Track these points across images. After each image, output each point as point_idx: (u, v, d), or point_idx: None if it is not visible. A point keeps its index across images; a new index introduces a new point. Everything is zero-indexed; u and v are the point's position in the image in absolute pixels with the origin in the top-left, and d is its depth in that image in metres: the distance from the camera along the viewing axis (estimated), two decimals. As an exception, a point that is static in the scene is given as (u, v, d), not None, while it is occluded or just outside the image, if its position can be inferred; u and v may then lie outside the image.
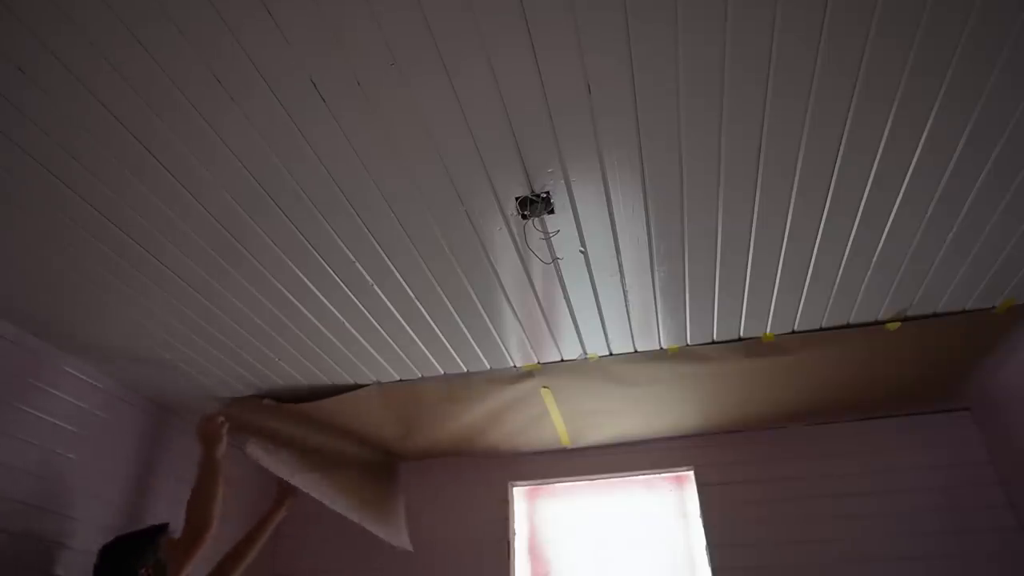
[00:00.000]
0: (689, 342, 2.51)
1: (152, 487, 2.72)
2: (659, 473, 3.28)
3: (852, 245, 1.98)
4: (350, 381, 2.75)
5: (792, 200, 1.80)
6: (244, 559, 2.60)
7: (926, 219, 1.88)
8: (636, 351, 2.56)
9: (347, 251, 1.95)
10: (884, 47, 1.38)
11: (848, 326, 2.41)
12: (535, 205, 1.78)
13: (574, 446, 3.30)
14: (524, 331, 2.40)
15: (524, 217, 1.82)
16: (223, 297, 2.14)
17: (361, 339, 2.41)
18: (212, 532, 2.23)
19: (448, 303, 2.21)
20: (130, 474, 2.63)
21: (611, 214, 1.84)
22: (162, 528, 2.23)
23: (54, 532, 2.27)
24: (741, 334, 2.46)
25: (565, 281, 2.12)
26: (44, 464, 2.27)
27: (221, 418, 2.45)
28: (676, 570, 3.08)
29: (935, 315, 2.35)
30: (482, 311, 2.26)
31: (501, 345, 2.49)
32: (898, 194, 1.79)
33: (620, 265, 2.05)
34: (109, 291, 2.09)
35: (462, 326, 2.35)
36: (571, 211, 1.82)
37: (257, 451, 2.67)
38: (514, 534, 3.25)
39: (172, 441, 2.87)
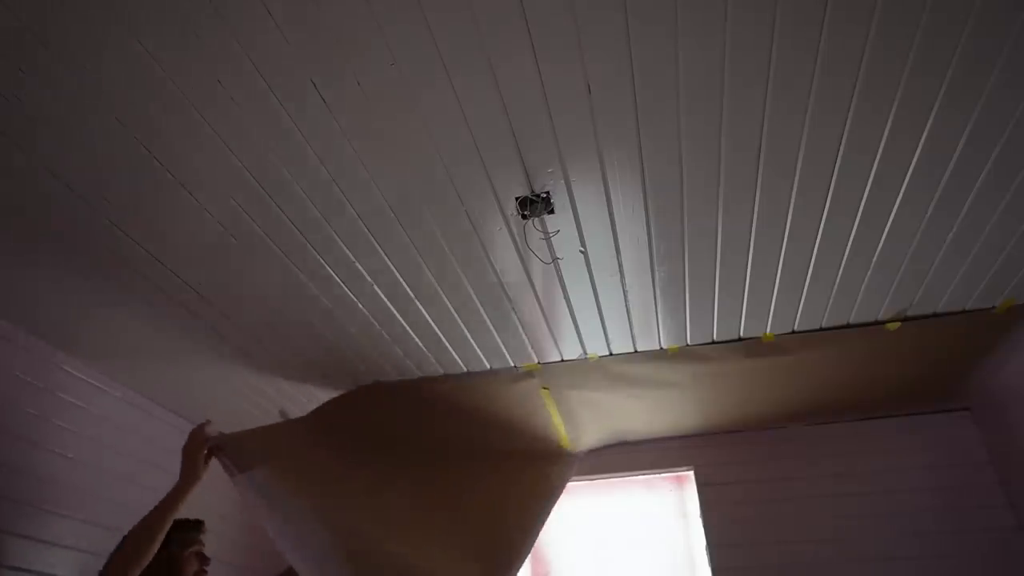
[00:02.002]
0: (689, 342, 2.51)
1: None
2: (659, 473, 3.28)
3: (852, 245, 1.98)
4: (350, 382, 2.75)
5: (792, 200, 1.80)
6: None
7: (926, 219, 1.88)
8: (636, 351, 2.56)
9: (347, 251, 1.95)
10: (884, 47, 1.38)
11: (848, 326, 2.41)
12: (535, 205, 1.78)
13: (575, 449, 3.30)
14: (524, 331, 2.40)
15: (524, 217, 1.82)
16: (223, 298, 2.14)
17: (360, 339, 2.41)
18: None
19: (448, 303, 2.21)
20: (132, 475, 2.63)
21: (611, 214, 1.84)
22: (201, 522, 2.13)
23: (56, 533, 2.27)
24: (741, 334, 2.46)
25: (565, 281, 2.13)
26: (46, 464, 2.28)
27: (209, 431, 1.97)
28: (676, 570, 3.08)
29: (935, 315, 2.35)
30: (482, 311, 2.26)
31: (501, 345, 2.49)
32: (898, 194, 1.79)
33: (620, 265, 2.06)
34: (104, 290, 2.09)
35: (462, 326, 2.35)
36: (571, 211, 1.82)
37: (252, 483, 2.04)
38: (514, 534, 3.24)
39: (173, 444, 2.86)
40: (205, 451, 1.95)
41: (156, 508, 1.84)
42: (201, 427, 1.97)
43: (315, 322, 2.30)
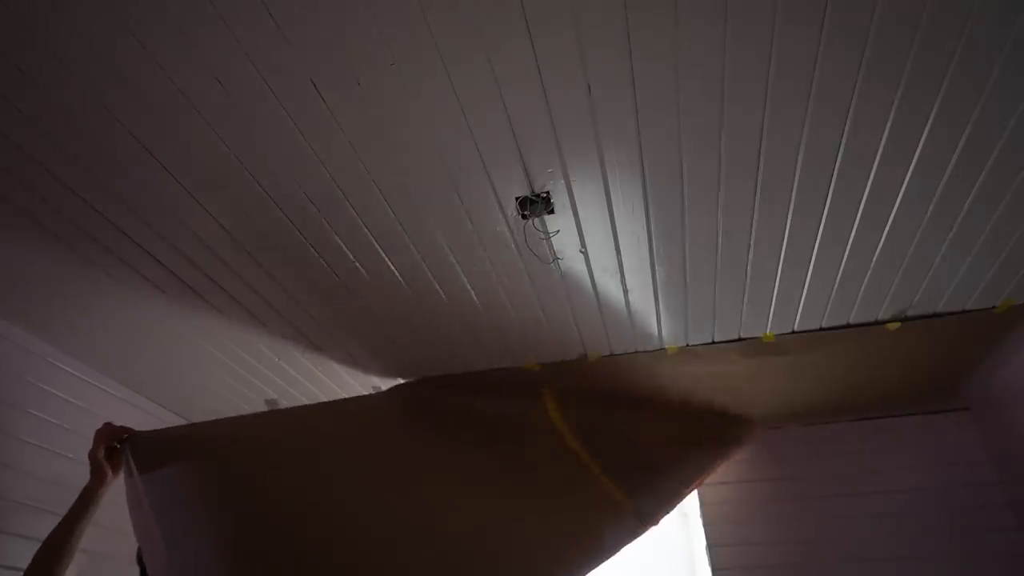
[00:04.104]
0: (689, 342, 2.51)
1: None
2: (659, 473, 3.28)
3: (852, 245, 1.98)
4: (349, 382, 2.75)
5: (792, 200, 1.80)
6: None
7: (926, 219, 1.88)
8: (636, 351, 2.56)
9: (346, 251, 1.95)
10: (884, 47, 1.38)
11: (848, 326, 2.41)
12: (535, 205, 1.78)
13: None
14: (525, 331, 2.40)
15: (524, 217, 1.82)
16: (221, 298, 2.14)
17: (359, 338, 2.41)
18: None
19: (447, 303, 2.21)
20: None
21: (611, 214, 1.84)
22: None
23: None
24: (741, 334, 2.46)
25: (565, 281, 2.12)
26: (46, 464, 2.28)
27: (122, 435, 1.67)
28: (676, 570, 3.08)
29: (935, 315, 2.35)
30: (482, 311, 2.26)
31: (501, 345, 2.49)
32: (898, 194, 1.79)
33: (620, 265, 2.06)
34: (100, 291, 2.09)
35: (462, 326, 2.35)
36: (571, 211, 1.82)
37: (152, 484, 1.63)
38: (514, 534, 3.24)
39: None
40: (107, 447, 1.67)
41: (63, 518, 1.63)
42: (106, 424, 1.70)
43: (313, 323, 2.30)
